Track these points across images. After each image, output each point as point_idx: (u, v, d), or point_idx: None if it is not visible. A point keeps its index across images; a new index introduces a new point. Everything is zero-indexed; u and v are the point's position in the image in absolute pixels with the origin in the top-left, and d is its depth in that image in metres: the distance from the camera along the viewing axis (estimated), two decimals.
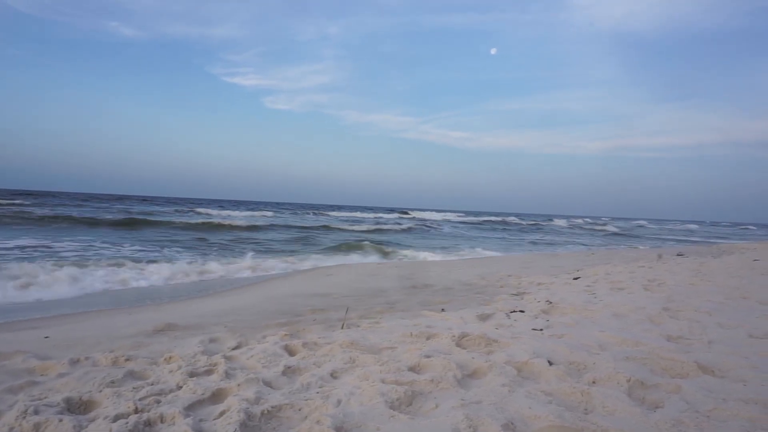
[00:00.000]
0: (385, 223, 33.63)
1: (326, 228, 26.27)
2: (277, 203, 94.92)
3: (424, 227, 32.61)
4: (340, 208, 75.73)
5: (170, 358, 3.18)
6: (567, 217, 76.72)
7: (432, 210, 70.43)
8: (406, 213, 59.58)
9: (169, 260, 10.43)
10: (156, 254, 11.65)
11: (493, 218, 54.37)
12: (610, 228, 45.36)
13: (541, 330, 3.83)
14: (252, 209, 46.75)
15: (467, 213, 77.94)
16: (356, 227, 28.06)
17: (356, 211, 59.45)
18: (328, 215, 44.92)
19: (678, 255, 13.07)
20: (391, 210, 72.46)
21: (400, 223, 34.54)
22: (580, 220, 63.42)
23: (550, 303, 5.00)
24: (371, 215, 48.15)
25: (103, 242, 13.42)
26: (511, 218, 57.09)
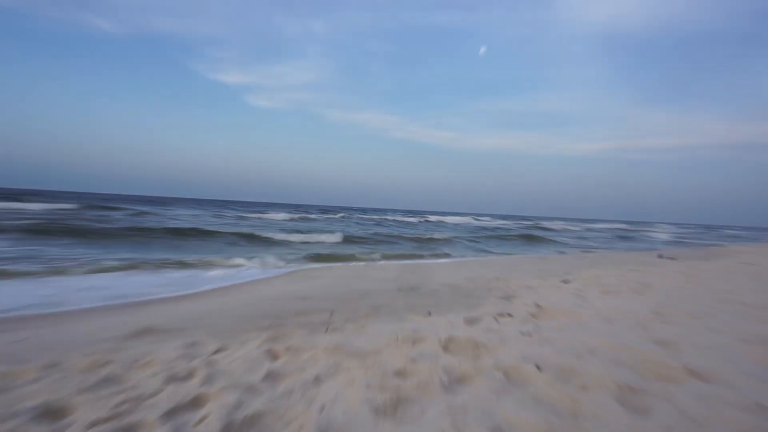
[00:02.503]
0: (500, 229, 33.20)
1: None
2: (268, 204, 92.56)
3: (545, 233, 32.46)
4: (343, 209, 73.19)
5: (149, 362, 3.15)
6: (585, 222, 74.53)
7: (436, 213, 67.65)
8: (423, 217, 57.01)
9: None
10: None
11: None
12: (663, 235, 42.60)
13: (530, 334, 3.85)
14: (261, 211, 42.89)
15: (493, 216, 72.97)
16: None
17: (370, 212, 55.56)
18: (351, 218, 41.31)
19: (669, 258, 13.24)
20: (413, 213, 68.98)
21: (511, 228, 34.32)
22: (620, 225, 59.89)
23: (539, 307, 5.02)
24: (418, 219, 44.40)
25: None
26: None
